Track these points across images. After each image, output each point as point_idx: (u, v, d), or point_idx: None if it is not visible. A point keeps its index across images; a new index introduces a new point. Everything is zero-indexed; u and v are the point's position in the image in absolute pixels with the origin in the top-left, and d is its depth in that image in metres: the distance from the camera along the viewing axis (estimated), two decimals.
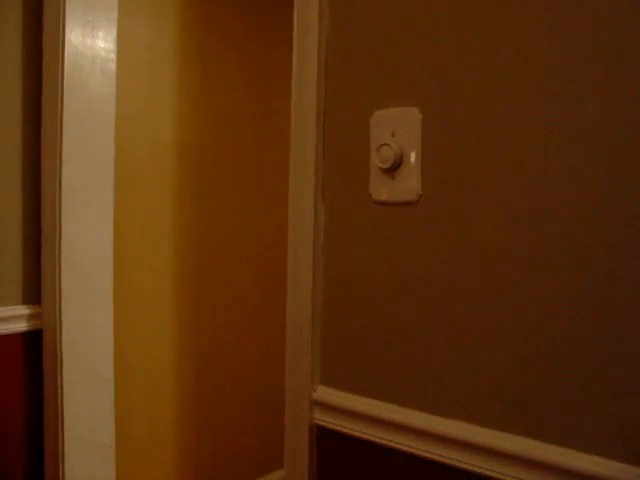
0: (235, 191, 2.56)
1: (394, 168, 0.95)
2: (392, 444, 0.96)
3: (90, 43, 1.58)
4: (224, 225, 2.51)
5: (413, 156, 0.94)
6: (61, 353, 1.59)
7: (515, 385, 0.83)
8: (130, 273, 2.15)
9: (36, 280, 1.64)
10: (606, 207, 0.75)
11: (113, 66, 1.64)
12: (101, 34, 1.61)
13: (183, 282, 2.37)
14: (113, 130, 1.66)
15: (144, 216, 2.21)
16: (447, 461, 0.90)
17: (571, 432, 0.78)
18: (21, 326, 1.61)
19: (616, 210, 0.74)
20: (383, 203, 0.98)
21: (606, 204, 0.75)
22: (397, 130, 0.95)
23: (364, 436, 0.99)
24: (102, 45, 1.61)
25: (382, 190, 0.97)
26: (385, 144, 0.95)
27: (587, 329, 0.77)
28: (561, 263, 0.79)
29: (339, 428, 1.03)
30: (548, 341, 0.80)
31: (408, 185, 0.94)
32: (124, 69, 2.04)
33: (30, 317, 1.62)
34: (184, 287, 2.38)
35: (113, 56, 1.64)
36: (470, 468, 0.87)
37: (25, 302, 1.62)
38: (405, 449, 0.94)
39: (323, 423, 1.05)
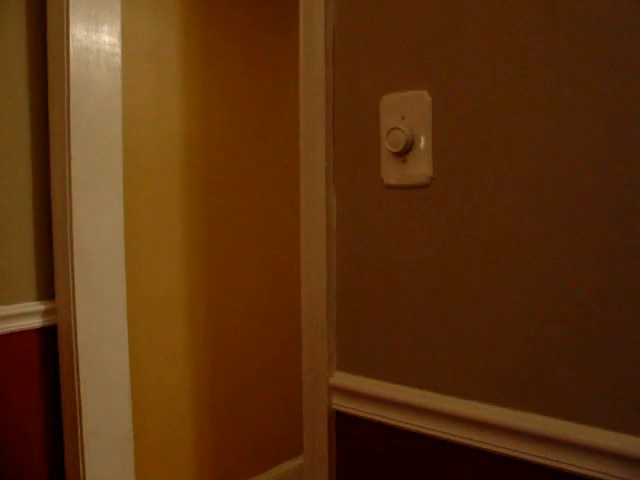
0: (245, 183, 2.56)
1: (405, 152, 0.95)
2: (411, 426, 0.97)
3: (95, 37, 1.58)
4: (234, 216, 2.51)
5: (424, 139, 0.94)
6: (76, 347, 1.60)
7: (531, 363, 0.83)
8: (141, 266, 2.16)
9: (49, 276, 1.65)
10: (616, 186, 0.75)
11: (118, 60, 1.64)
12: (105, 28, 1.61)
13: (195, 274, 2.38)
14: (120, 124, 1.66)
15: (154, 209, 2.21)
16: (466, 442, 0.90)
17: (588, 408, 0.79)
18: (36, 322, 1.62)
19: (626, 192, 0.74)
20: (395, 187, 0.98)
21: (617, 183, 0.75)
22: (407, 114, 0.95)
23: (383, 419, 1.00)
24: (107, 39, 1.61)
25: (393, 174, 0.97)
26: (395, 128, 0.95)
27: (600, 309, 0.77)
28: (574, 242, 0.79)
29: (358, 412, 1.03)
30: (563, 319, 0.80)
31: (419, 168, 0.94)
32: (129, 63, 2.04)
33: (45, 313, 1.63)
34: (196, 279, 2.38)
35: (118, 50, 1.64)
36: (489, 448, 0.87)
37: (40, 298, 1.63)
38: (425, 431, 0.95)
39: (342, 408, 1.06)
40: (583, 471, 0.78)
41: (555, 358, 0.81)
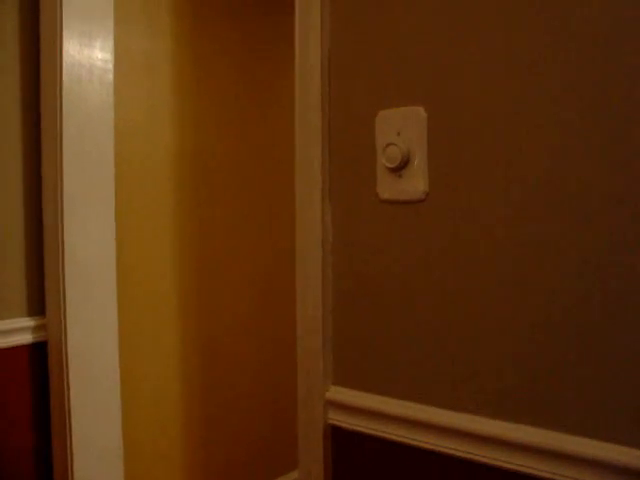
0: (236, 195, 2.56)
1: (401, 167, 0.96)
2: (408, 440, 0.97)
3: (87, 53, 1.59)
4: (226, 229, 2.51)
5: (419, 155, 0.95)
6: (67, 363, 1.58)
7: (529, 380, 0.84)
8: (133, 281, 2.15)
9: (40, 292, 1.63)
10: (612, 205, 0.76)
11: (111, 76, 1.65)
12: (98, 44, 1.61)
13: (186, 288, 2.37)
14: (112, 139, 1.66)
15: (146, 224, 2.21)
16: (464, 455, 0.90)
17: (586, 421, 0.79)
18: (26, 338, 1.60)
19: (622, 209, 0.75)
20: (391, 202, 0.98)
21: (612, 201, 0.76)
22: (402, 129, 0.96)
23: (379, 434, 1.00)
24: (99, 55, 1.61)
25: (389, 189, 0.98)
26: (391, 144, 0.96)
27: (599, 322, 0.78)
28: (573, 255, 0.80)
29: (354, 427, 1.03)
30: (562, 335, 0.81)
31: (415, 183, 0.95)
32: (121, 78, 2.04)
33: (35, 329, 1.62)
34: (187, 293, 2.38)
35: (110, 66, 1.64)
36: (488, 461, 0.88)
37: (30, 314, 1.62)
38: (420, 444, 0.95)
39: (337, 423, 1.06)
40: None
41: (554, 372, 0.82)
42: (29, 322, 1.61)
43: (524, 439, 0.84)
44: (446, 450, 0.92)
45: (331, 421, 1.07)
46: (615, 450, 0.76)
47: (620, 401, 0.77)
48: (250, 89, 2.61)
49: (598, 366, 0.78)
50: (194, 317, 2.41)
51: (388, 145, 0.96)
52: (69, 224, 1.57)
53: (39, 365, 1.64)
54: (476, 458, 0.89)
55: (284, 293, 2.76)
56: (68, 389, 1.59)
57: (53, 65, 1.55)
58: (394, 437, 0.98)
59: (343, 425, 1.05)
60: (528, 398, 0.84)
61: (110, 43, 1.65)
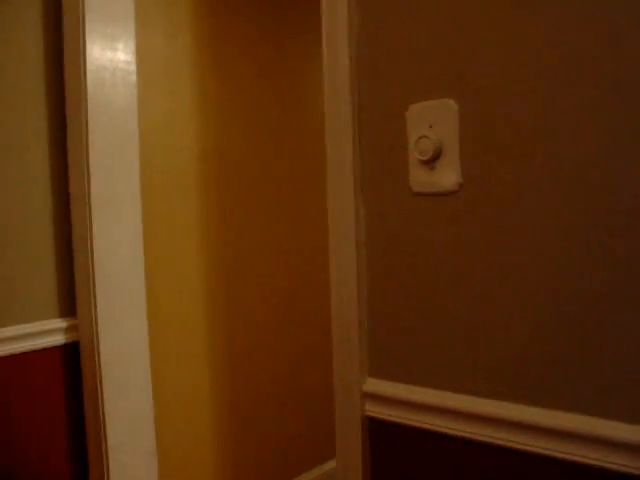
0: (263, 197, 2.57)
1: (433, 159, 0.97)
2: (445, 430, 0.98)
3: (110, 56, 1.60)
4: (254, 229, 2.52)
5: (452, 146, 0.95)
6: (99, 363, 1.61)
7: (565, 368, 0.85)
8: (160, 283, 2.17)
9: (71, 293, 1.66)
10: None
11: (134, 77, 1.66)
12: (120, 46, 1.63)
13: (214, 289, 2.38)
14: (137, 142, 1.68)
15: (172, 225, 2.22)
16: (503, 443, 0.91)
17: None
18: (59, 339, 1.63)
19: None
20: (424, 194, 0.99)
21: None
22: (434, 122, 0.97)
23: (417, 424, 1.01)
24: (122, 57, 1.63)
25: (422, 182, 0.99)
26: (423, 136, 0.97)
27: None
28: (609, 244, 0.80)
29: (391, 418, 1.04)
30: (593, 318, 0.81)
31: (448, 175, 0.96)
32: (143, 80, 2.06)
33: (67, 330, 1.64)
34: (215, 294, 2.39)
35: (133, 67, 1.66)
36: (527, 449, 0.88)
37: (61, 315, 1.64)
38: (458, 434, 0.96)
39: (375, 414, 1.07)
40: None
41: (586, 357, 0.83)
42: (61, 323, 1.63)
43: (566, 425, 0.84)
44: (484, 439, 0.93)
45: (368, 413, 1.08)
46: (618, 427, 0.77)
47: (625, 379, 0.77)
48: (273, 86, 2.61)
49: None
50: (222, 317, 2.42)
51: (420, 138, 0.97)
52: (97, 226, 1.59)
53: (72, 365, 1.67)
54: (515, 446, 0.90)
55: (316, 291, 2.78)
56: (102, 388, 1.61)
57: (77, 68, 1.57)
58: (431, 427, 0.99)
59: (381, 416, 1.06)
60: (567, 384, 0.85)
61: (132, 44, 1.66)
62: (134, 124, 1.67)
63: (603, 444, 0.81)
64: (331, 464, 2.86)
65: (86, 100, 1.56)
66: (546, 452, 0.86)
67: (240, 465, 2.50)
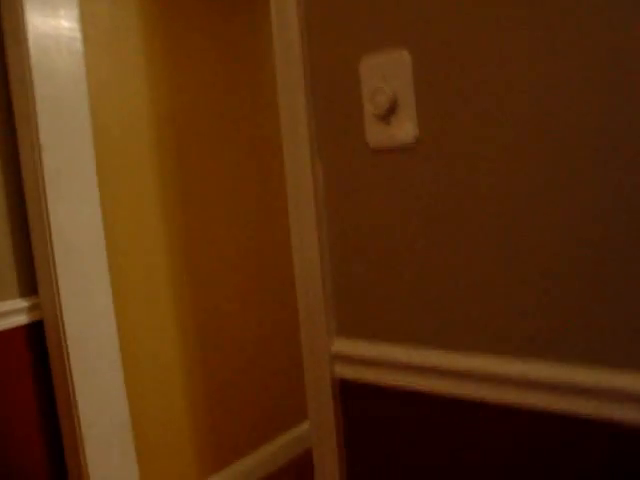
0: (224, 160, 2.53)
1: (389, 113, 0.94)
2: (416, 386, 0.97)
3: (53, 23, 1.53)
4: (212, 194, 2.48)
5: (407, 99, 0.93)
6: (65, 340, 1.58)
7: (534, 313, 0.85)
8: (122, 253, 2.13)
9: (30, 271, 1.62)
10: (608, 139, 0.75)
11: (79, 44, 1.60)
12: (62, 13, 1.56)
13: (177, 257, 2.35)
14: (88, 110, 1.62)
15: (130, 192, 2.17)
16: (474, 395, 0.91)
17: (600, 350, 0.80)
18: (22, 319, 1.59)
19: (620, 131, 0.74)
20: (381, 150, 0.97)
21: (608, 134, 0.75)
22: (388, 74, 0.94)
23: (387, 382, 1.01)
24: (65, 24, 1.56)
25: (379, 136, 0.97)
26: (377, 89, 0.94)
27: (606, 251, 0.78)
28: (569, 186, 0.79)
29: (361, 377, 1.04)
30: (569, 262, 0.81)
31: (405, 129, 0.94)
32: (90, 47, 1.98)
33: (30, 309, 1.60)
34: (178, 261, 2.36)
35: (78, 34, 1.59)
36: (500, 401, 0.89)
37: (22, 295, 1.60)
38: (428, 389, 0.96)
39: (345, 375, 1.06)
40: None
41: (560, 305, 0.82)
42: (22, 303, 1.60)
43: (532, 375, 0.84)
44: (454, 393, 0.93)
45: (339, 374, 1.07)
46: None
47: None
48: (222, 54, 2.54)
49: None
50: (189, 288, 2.40)
51: (374, 91, 0.94)
52: (52, 199, 1.54)
53: (38, 344, 1.63)
54: (490, 399, 0.90)
55: (285, 256, 2.78)
56: (69, 364, 1.58)
57: (18, 37, 1.50)
58: (403, 384, 0.99)
59: (350, 376, 1.06)
60: (538, 332, 0.85)
61: (75, 11, 1.59)
62: (84, 91, 1.61)
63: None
64: (306, 425, 2.90)
65: (30, 69, 1.49)
66: (515, 404, 0.87)
67: (216, 432, 2.51)
